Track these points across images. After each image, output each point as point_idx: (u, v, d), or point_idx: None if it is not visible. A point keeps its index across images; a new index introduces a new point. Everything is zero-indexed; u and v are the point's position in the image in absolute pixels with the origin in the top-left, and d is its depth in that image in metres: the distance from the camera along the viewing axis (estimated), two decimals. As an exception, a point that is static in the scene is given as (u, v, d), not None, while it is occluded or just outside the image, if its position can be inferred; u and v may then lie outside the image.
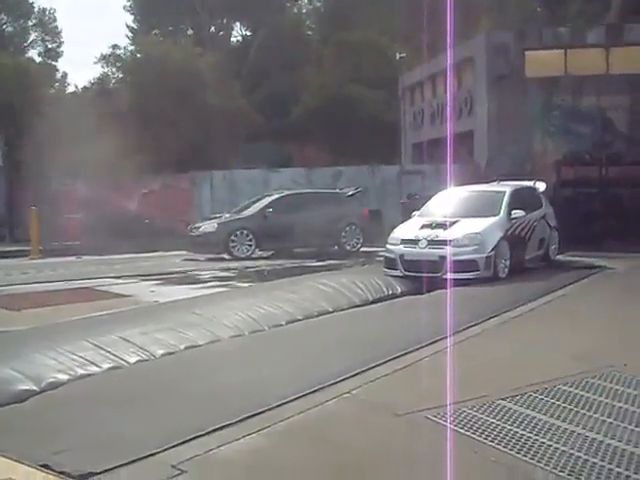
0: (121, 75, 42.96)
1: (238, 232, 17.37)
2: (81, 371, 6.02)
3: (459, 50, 23.12)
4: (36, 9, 44.17)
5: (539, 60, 23.19)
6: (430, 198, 13.81)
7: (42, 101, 31.18)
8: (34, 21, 44.21)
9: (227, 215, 18.30)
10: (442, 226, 11.94)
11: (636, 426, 4.79)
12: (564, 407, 5.15)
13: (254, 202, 18.60)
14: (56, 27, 45.01)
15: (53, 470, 3.98)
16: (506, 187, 13.41)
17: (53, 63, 45.00)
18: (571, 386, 5.62)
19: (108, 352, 6.45)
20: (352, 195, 19.14)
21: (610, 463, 4.16)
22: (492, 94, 23.28)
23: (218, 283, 12.58)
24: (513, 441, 4.49)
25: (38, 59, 42.84)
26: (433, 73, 27.11)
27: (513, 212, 12.48)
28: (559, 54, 23.14)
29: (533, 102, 22.94)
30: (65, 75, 46.36)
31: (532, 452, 4.31)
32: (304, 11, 49.05)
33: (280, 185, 21.74)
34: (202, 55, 37.37)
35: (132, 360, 6.44)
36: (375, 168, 24.60)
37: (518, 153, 22.38)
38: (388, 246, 12.24)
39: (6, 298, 10.58)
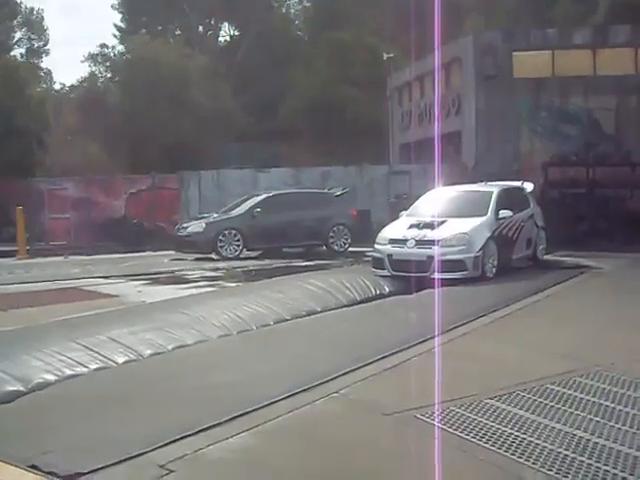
0: (109, 75, 42.84)
1: (226, 232, 17.32)
2: (69, 371, 6.00)
3: (447, 50, 23.15)
4: (22, 8, 43.96)
5: (527, 61, 23.26)
6: (418, 198, 13.84)
7: (29, 100, 31.03)
8: (20, 20, 43.92)
9: (215, 215, 18.24)
10: (430, 226, 11.95)
11: (623, 425, 4.82)
12: (552, 406, 5.17)
13: (242, 202, 18.55)
14: (42, 25, 44.78)
15: (41, 470, 3.96)
16: (494, 187, 13.44)
17: (39, 62, 44.80)
18: (559, 385, 5.65)
19: (96, 352, 6.43)
20: (340, 195, 19.15)
21: (598, 461, 4.19)
22: (480, 94, 23.32)
23: (206, 283, 12.54)
24: (501, 440, 4.51)
25: (24, 58, 42.55)
26: (421, 73, 27.10)
27: (501, 212, 12.50)
28: (547, 55, 23.23)
29: (520, 103, 23.01)
30: (52, 74, 46.22)
31: (520, 451, 4.34)
32: (292, 11, 49.07)
33: (268, 185, 21.69)
34: (191, 56, 37.30)
35: (120, 360, 6.42)
36: (363, 168, 24.58)
37: (506, 153, 22.45)
38: (376, 246, 12.24)
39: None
